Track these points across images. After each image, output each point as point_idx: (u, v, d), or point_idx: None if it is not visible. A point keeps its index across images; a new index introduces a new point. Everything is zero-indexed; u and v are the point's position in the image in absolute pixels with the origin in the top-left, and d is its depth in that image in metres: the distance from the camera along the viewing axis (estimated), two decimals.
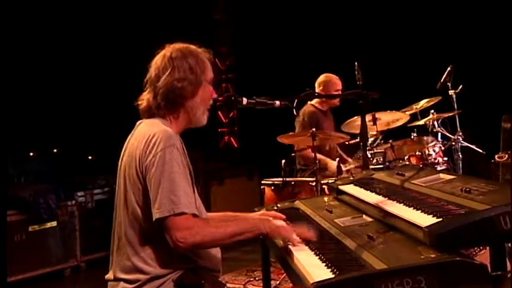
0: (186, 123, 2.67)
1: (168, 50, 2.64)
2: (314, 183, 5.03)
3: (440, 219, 2.09)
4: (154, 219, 2.37)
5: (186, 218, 2.36)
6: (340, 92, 5.84)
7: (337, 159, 5.53)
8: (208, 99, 2.69)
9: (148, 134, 2.48)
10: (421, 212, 2.25)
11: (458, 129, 5.93)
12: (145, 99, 2.64)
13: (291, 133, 5.50)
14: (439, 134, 5.98)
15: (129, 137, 2.64)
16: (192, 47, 2.68)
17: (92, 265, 6.39)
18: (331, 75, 5.95)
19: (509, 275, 2.17)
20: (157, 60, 2.64)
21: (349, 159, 5.80)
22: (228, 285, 2.81)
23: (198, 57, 2.64)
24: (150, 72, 2.65)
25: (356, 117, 5.39)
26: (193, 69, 2.60)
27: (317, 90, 5.86)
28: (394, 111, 5.58)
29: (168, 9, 8.48)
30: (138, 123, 2.67)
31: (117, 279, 2.55)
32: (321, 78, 5.97)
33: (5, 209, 3.54)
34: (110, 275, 2.61)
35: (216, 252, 2.66)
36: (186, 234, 2.34)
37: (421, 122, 5.98)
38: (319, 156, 5.18)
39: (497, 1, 6.59)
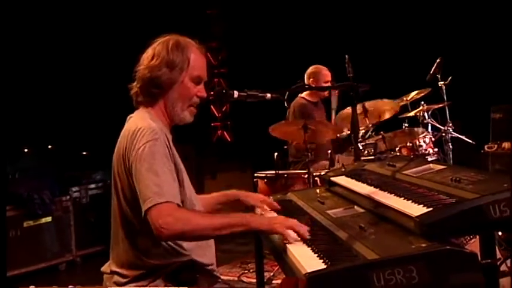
0: (168, 117, 2.62)
1: (158, 41, 2.61)
2: (306, 176, 5.06)
3: (431, 208, 2.10)
4: (143, 215, 2.32)
5: (170, 206, 2.30)
6: (330, 83, 5.86)
7: (329, 151, 5.56)
8: (188, 97, 2.59)
9: (132, 130, 2.46)
10: (412, 202, 2.25)
11: (448, 120, 5.98)
12: (134, 86, 2.63)
13: (282, 122, 5.47)
14: (429, 125, 6.03)
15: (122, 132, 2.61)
16: (185, 41, 2.61)
17: (87, 259, 6.40)
18: (321, 66, 5.98)
19: (498, 263, 2.21)
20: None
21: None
22: (222, 277, 2.80)
23: (184, 53, 2.56)
24: None
25: (347, 108, 5.40)
26: (173, 62, 2.53)
27: (307, 81, 5.88)
28: (384, 99, 5.57)
29: (161, 3, 8.47)
30: (128, 118, 2.63)
31: (112, 272, 2.56)
32: (311, 69, 6.00)
33: (4, 204, 3.55)
34: (106, 268, 2.61)
35: (210, 245, 2.65)
36: (169, 220, 2.26)
37: (412, 114, 6.03)
38: None
39: None
